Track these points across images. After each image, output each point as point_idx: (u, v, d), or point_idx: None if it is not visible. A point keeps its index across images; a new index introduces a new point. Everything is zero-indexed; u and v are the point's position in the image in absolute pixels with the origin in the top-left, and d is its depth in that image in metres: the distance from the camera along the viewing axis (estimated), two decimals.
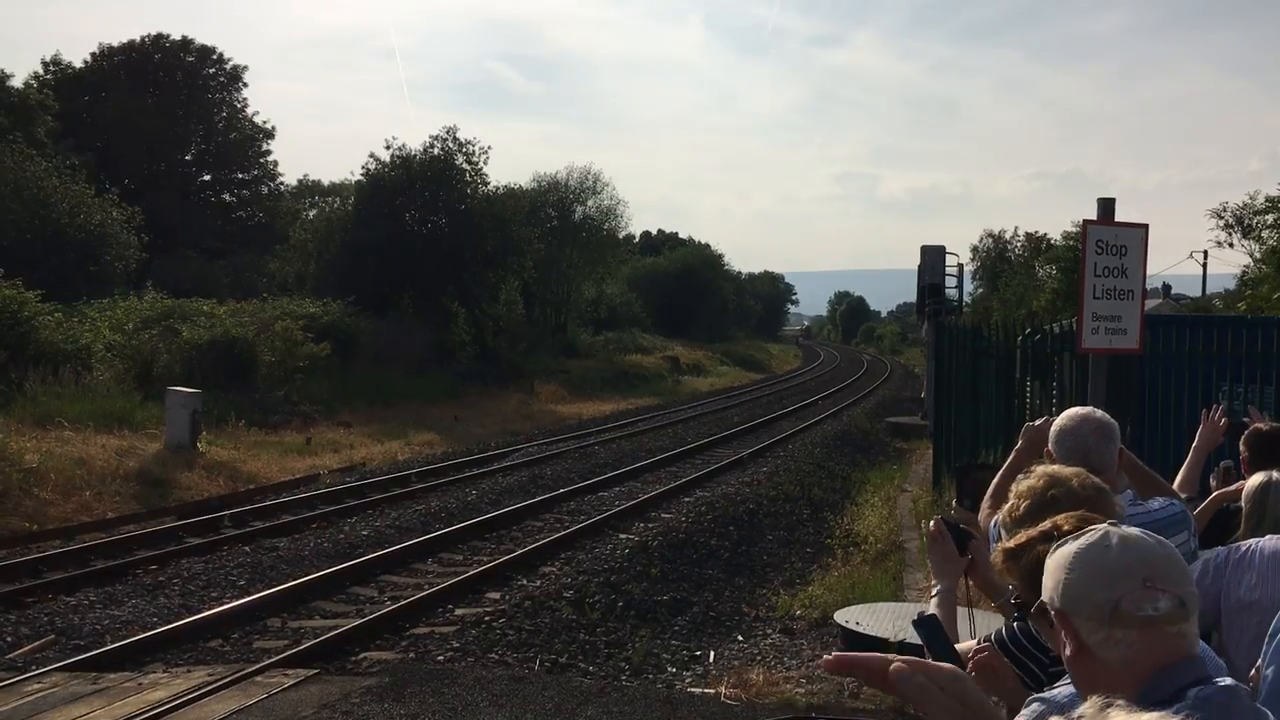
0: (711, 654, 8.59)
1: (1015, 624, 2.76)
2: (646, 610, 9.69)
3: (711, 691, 7.26)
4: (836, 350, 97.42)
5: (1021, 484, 2.87)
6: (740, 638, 9.15)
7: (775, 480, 16.63)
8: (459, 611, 9.49)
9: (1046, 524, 2.44)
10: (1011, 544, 2.50)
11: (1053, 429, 3.53)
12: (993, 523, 3.36)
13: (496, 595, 10.02)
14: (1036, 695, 2.40)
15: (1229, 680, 1.78)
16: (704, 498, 15.11)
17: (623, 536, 12.60)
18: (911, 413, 28.92)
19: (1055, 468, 2.95)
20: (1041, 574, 2.38)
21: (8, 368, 19.13)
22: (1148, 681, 1.77)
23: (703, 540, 12.43)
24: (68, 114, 40.73)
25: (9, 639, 8.65)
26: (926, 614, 2.85)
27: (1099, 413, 3.58)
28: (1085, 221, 6.08)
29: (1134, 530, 1.82)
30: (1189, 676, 1.74)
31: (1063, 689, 2.30)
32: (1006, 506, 2.86)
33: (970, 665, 2.76)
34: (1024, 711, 2.40)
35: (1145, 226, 6.22)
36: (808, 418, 27.90)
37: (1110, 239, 6.01)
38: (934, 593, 3.26)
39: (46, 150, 33.59)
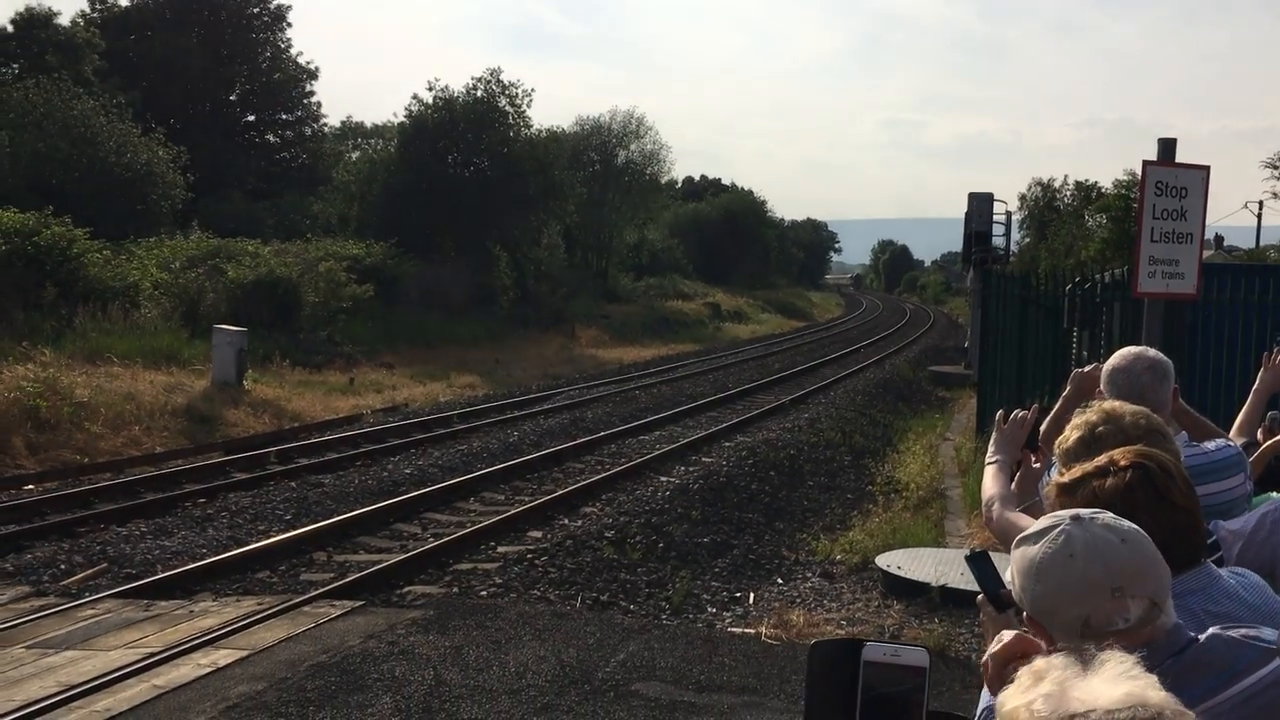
0: (751, 596, 8.61)
1: None
2: (687, 552, 9.73)
3: (752, 631, 7.29)
4: (879, 299, 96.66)
5: (1078, 416, 2.83)
6: (780, 581, 9.16)
7: (816, 426, 16.59)
8: (501, 549, 9.58)
9: (1103, 459, 2.39)
10: (1066, 478, 2.46)
11: (1105, 368, 3.46)
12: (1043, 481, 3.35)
13: (538, 534, 10.11)
14: None
15: (1205, 635, 1.71)
16: (744, 443, 15.11)
17: (663, 479, 12.64)
18: (955, 361, 28.68)
19: (1115, 404, 2.89)
20: (1105, 507, 2.34)
21: (58, 304, 19.41)
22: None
23: (743, 484, 12.43)
24: (114, 52, 40.85)
25: (63, 566, 8.85)
26: (977, 550, 2.84)
27: (1152, 351, 3.50)
28: (1145, 162, 5.93)
29: (1098, 530, 1.71)
30: (1165, 654, 1.68)
31: None
32: (1060, 437, 2.82)
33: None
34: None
35: (1206, 168, 6.06)
36: (849, 365, 27.75)
37: (1170, 180, 5.86)
38: (990, 460, 3.28)
39: (93, 88, 33.74)
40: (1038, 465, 3.36)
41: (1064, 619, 1.66)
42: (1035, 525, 1.79)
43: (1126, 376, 3.30)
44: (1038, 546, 1.73)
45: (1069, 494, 2.42)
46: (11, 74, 35.25)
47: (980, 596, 2.76)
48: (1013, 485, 3.37)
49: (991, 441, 3.47)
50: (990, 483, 3.28)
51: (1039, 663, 1.10)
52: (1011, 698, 1.06)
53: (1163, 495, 2.09)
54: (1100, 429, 2.71)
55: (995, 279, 15.01)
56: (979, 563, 2.75)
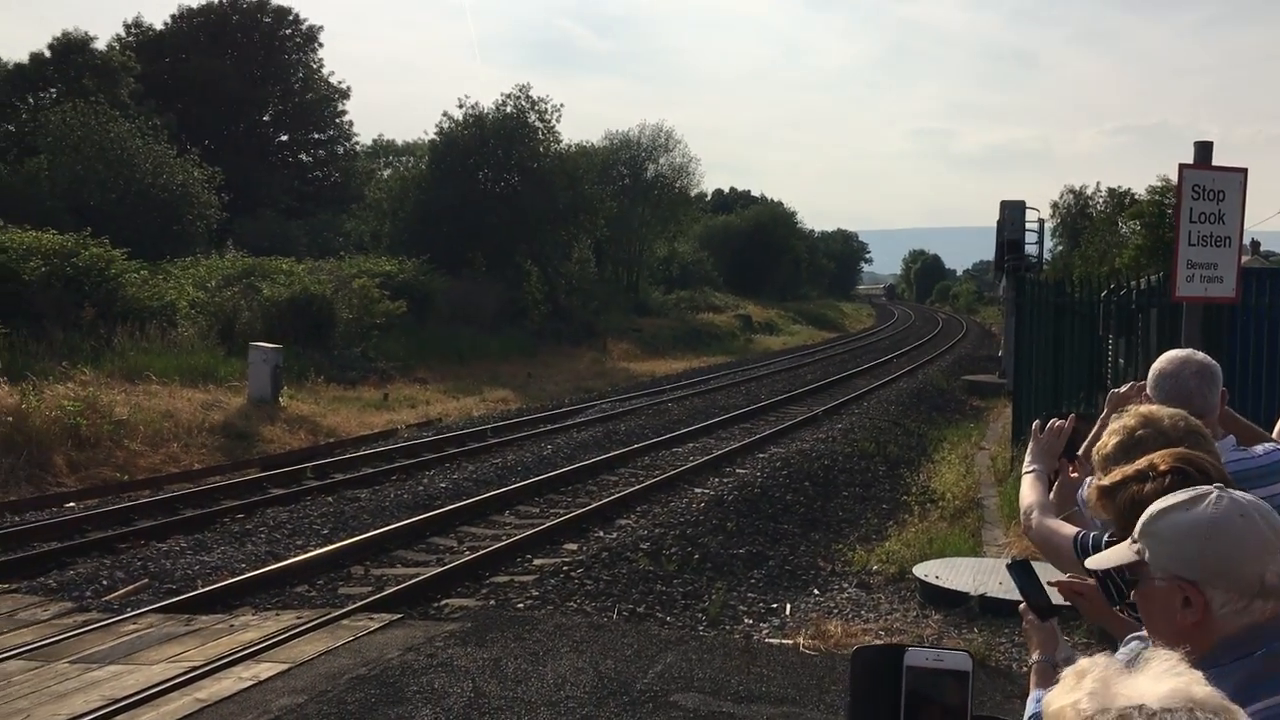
0: (788, 607, 8.58)
1: (1112, 539, 2.74)
2: (722, 563, 9.71)
3: (790, 642, 7.26)
4: (911, 309, 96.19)
5: (1116, 421, 2.82)
6: (816, 591, 9.12)
7: (850, 437, 16.52)
8: (537, 561, 9.60)
9: (1143, 462, 2.38)
10: (1107, 481, 2.45)
11: (1151, 372, 3.42)
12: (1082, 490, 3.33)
13: (574, 546, 10.12)
14: (1136, 634, 2.36)
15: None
16: (778, 454, 15.07)
17: (698, 491, 12.63)
18: (989, 371, 28.48)
19: (1153, 407, 2.87)
20: (1135, 513, 2.34)
21: (97, 324, 19.66)
22: (1231, 638, 1.75)
23: (778, 495, 12.40)
24: (149, 75, 41.46)
25: (105, 582, 8.94)
26: (1019, 558, 2.83)
27: (1200, 354, 3.46)
28: (1182, 165, 5.89)
29: (1242, 497, 1.76)
30: (1273, 636, 1.70)
31: None
32: (1099, 443, 2.81)
33: (1061, 590, 2.75)
34: (1122, 650, 2.36)
35: (1244, 171, 6.00)
36: (882, 376, 27.63)
37: (1207, 184, 5.81)
38: (1028, 469, 3.28)
39: (129, 111, 34.24)
40: (1075, 475, 3.34)
41: (1240, 576, 1.68)
42: (1174, 497, 1.81)
43: (1174, 381, 3.26)
44: (1200, 508, 1.75)
45: (1109, 497, 2.41)
46: (50, 98, 35.84)
47: (1022, 604, 2.76)
48: (1050, 494, 3.35)
49: (1028, 450, 3.45)
50: (1028, 491, 3.26)
51: (1083, 662, 1.10)
52: (1057, 697, 1.06)
53: None
54: (1140, 433, 2.69)
55: (1030, 286, 14.91)
56: (1021, 571, 2.74)
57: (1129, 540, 1.88)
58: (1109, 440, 2.74)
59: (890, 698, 1.21)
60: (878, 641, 7.10)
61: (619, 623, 7.77)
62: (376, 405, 20.19)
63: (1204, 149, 5.95)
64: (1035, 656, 2.61)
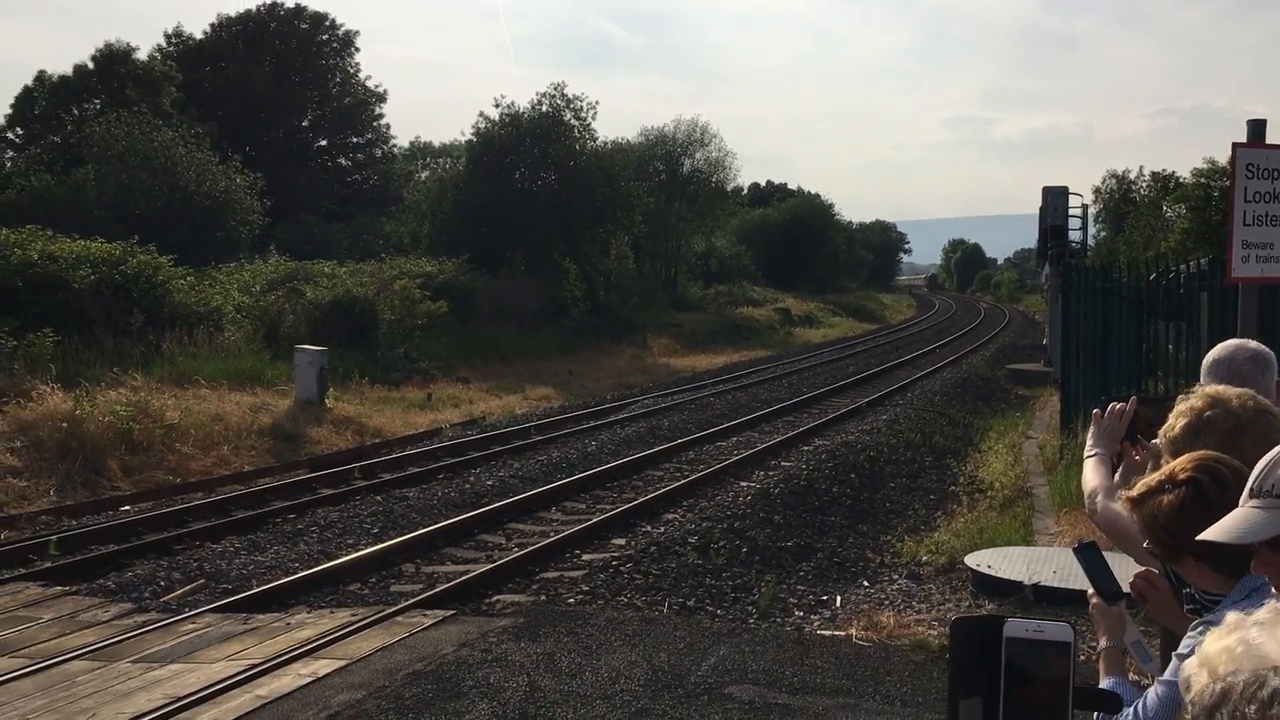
0: (838, 599, 8.55)
1: None
2: (770, 556, 9.69)
3: (842, 634, 7.24)
4: (952, 299, 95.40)
5: (1183, 403, 2.79)
6: (866, 583, 9.08)
7: (895, 428, 16.42)
8: (586, 557, 9.64)
9: (1165, 471, 2.36)
10: (1135, 491, 2.41)
11: (1205, 361, 3.41)
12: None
13: (622, 541, 10.14)
14: (1201, 620, 2.33)
15: None
16: (823, 446, 15.02)
17: (743, 484, 12.61)
18: (1033, 359, 28.20)
19: (1219, 387, 2.84)
20: (1160, 526, 2.30)
21: (145, 330, 19.95)
22: None
23: (824, 488, 12.36)
24: (190, 84, 42.01)
25: (162, 583, 9.09)
26: (1086, 542, 2.80)
27: (1253, 342, 3.46)
28: (1235, 145, 5.80)
29: None
30: None
31: (1225, 613, 2.24)
32: (1165, 426, 2.78)
33: (1134, 588, 2.72)
34: (1190, 635, 2.33)
35: None
36: (925, 366, 27.44)
37: (1261, 162, 5.72)
38: (1090, 453, 3.27)
39: (172, 120, 34.73)
40: (1139, 458, 3.32)
41: None
42: None
43: (1228, 367, 3.26)
44: None
45: (1139, 507, 2.38)
46: (94, 109, 36.40)
47: (1090, 590, 2.73)
48: (1115, 478, 3.33)
49: (1090, 435, 3.44)
50: (1091, 475, 3.25)
51: (1234, 615, 1.10)
52: (1210, 643, 1.05)
53: (1215, 509, 2.06)
54: (1208, 414, 2.67)
55: (1076, 273, 14.75)
56: (1088, 554, 2.72)
57: (1248, 503, 1.84)
58: (1176, 423, 2.72)
59: (990, 670, 1.21)
60: (930, 634, 7.06)
61: (670, 616, 7.79)
62: (420, 405, 20.33)
63: (1257, 127, 5.86)
64: (1103, 642, 2.58)
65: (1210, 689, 0.91)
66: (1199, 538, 1.94)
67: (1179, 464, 2.30)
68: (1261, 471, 1.87)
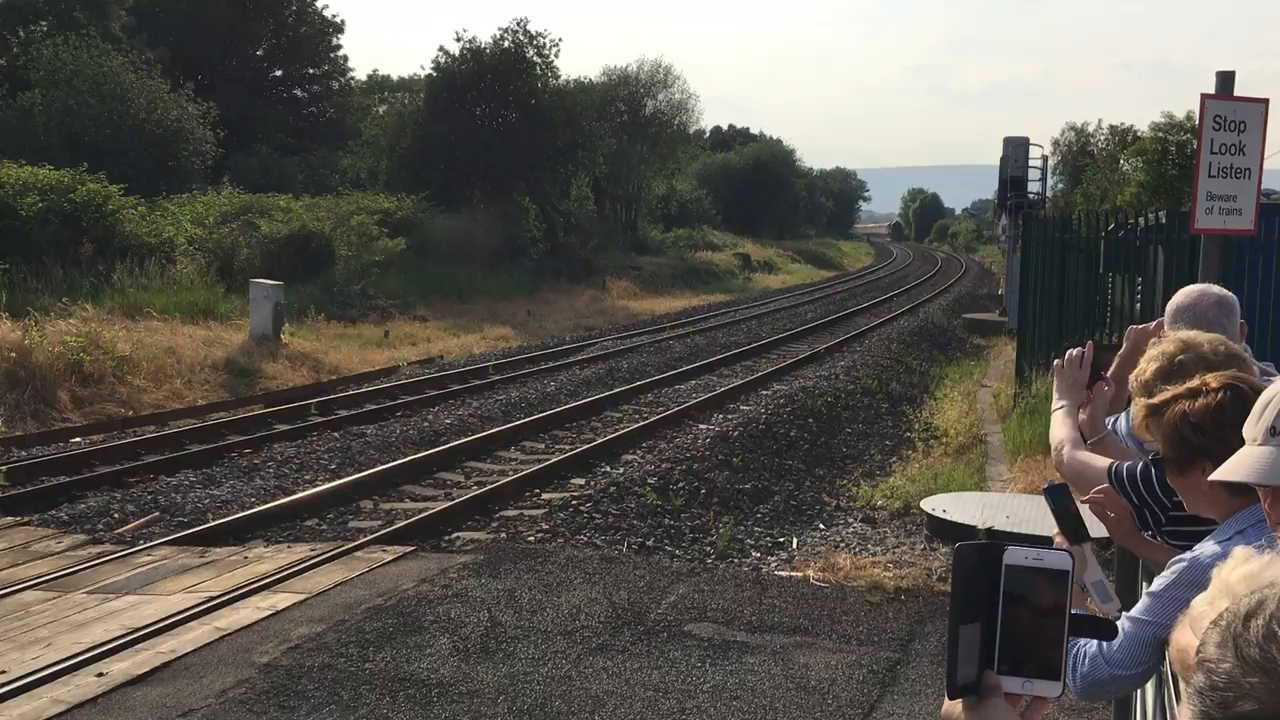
0: (794, 541, 8.65)
1: (1148, 467, 2.78)
2: (729, 498, 9.77)
3: (799, 574, 7.33)
4: (910, 248, 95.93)
5: (1154, 348, 2.83)
6: (822, 526, 9.20)
7: (852, 374, 16.54)
8: (545, 496, 9.66)
9: (1194, 381, 2.40)
10: (1156, 399, 2.46)
11: (1170, 306, 3.46)
12: (1110, 420, 3.37)
13: (581, 481, 10.17)
14: (1180, 557, 2.38)
15: None
16: (781, 391, 15.10)
17: (702, 427, 12.67)
18: (989, 309, 28.48)
19: (1191, 333, 2.89)
20: (1185, 429, 2.35)
21: (95, 260, 19.57)
22: None
23: (782, 432, 12.44)
24: (140, 8, 40.75)
25: (116, 515, 8.99)
26: (1056, 483, 2.85)
27: (1216, 287, 3.51)
28: (1203, 95, 5.83)
29: None
30: None
31: (1205, 548, 2.28)
32: (1136, 370, 2.83)
33: (1086, 500, 2.80)
34: (1166, 572, 2.38)
35: (1265, 102, 5.95)
36: (882, 314, 27.62)
37: (1228, 114, 5.76)
38: (1056, 406, 3.34)
39: (122, 45, 33.75)
40: (1107, 389, 3.40)
41: None
42: None
43: (1193, 313, 3.30)
44: None
45: (1157, 415, 2.43)
46: (41, 31, 35.29)
47: (1055, 530, 2.79)
48: (1081, 417, 3.39)
49: (1054, 389, 3.49)
50: (1058, 427, 3.31)
51: (1243, 549, 1.11)
52: (1230, 571, 1.06)
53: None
54: (1180, 358, 2.71)
55: (1034, 224, 14.85)
56: (1058, 495, 2.76)
57: (1261, 444, 1.85)
58: (1148, 366, 2.76)
59: (990, 595, 1.22)
60: (886, 576, 7.17)
61: (629, 555, 7.84)
62: (377, 343, 20.19)
63: (1226, 79, 5.89)
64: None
65: (1248, 599, 0.92)
66: (1212, 478, 1.95)
67: (1209, 377, 2.34)
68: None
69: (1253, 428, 1.88)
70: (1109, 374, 3.56)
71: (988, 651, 1.24)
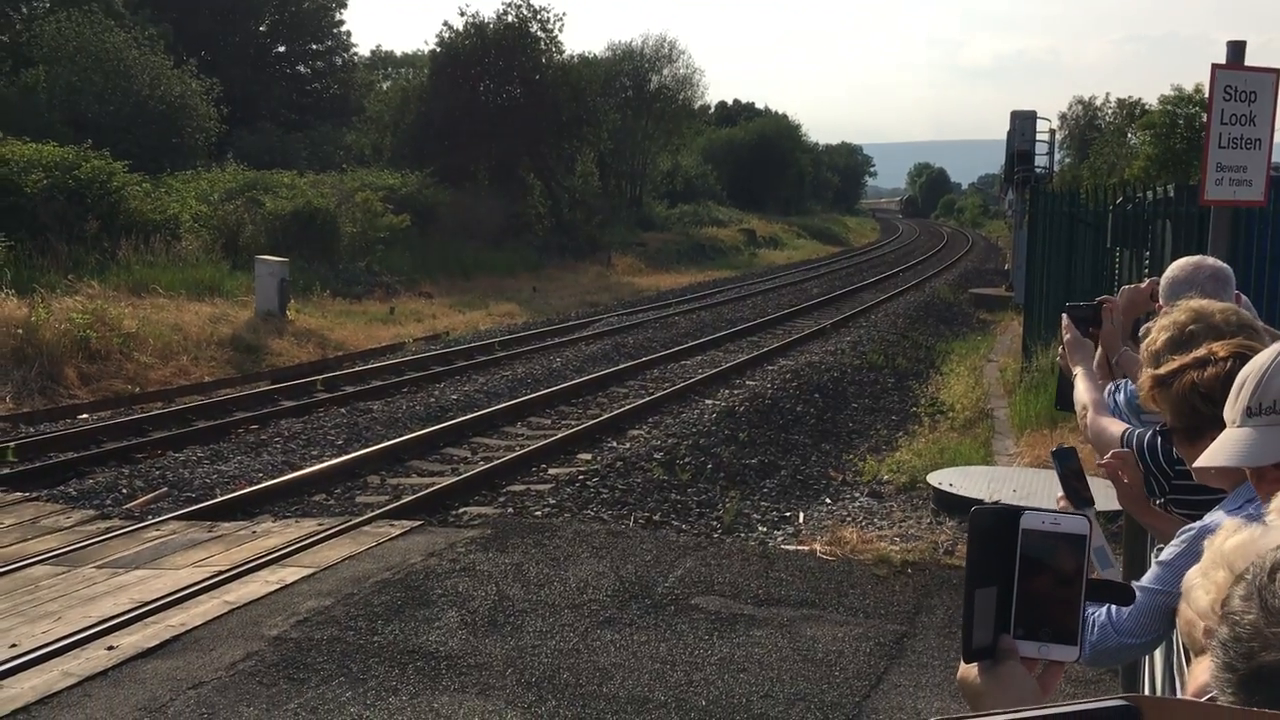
0: (801, 515, 8.66)
1: (1156, 435, 2.79)
2: (735, 473, 9.78)
3: (806, 549, 7.34)
4: (916, 224, 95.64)
5: (1164, 318, 2.83)
6: (828, 500, 9.20)
7: (859, 349, 16.53)
8: (552, 471, 9.67)
9: (1201, 350, 2.40)
10: (1163, 370, 2.45)
11: (1164, 279, 3.48)
12: (1106, 390, 3.40)
13: (588, 456, 10.18)
14: (1190, 526, 2.37)
15: None
16: (788, 366, 15.10)
17: (708, 402, 12.67)
18: (996, 284, 28.41)
19: (1203, 301, 2.88)
20: (1193, 400, 2.34)
21: (100, 237, 19.55)
22: None
23: (788, 407, 12.44)
24: None
25: (124, 490, 9.02)
26: (1065, 446, 2.85)
27: (1211, 259, 3.53)
28: (1214, 66, 5.78)
29: None
30: None
31: (1215, 517, 2.27)
32: (1147, 339, 2.82)
33: (1106, 468, 2.81)
34: (1176, 541, 2.38)
35: (1276, 72, 5.89)
36: (889, 290, 27.57)
37: (1240, 84, 5.71)
38: (1075, 369, 3.38)
39: (124, 21, 33.60)
40: (1112, 311, 3.56)
41: None
42: None
43: (1188, 286, 3.31)
44: None
45: (1165, 386, 2.41)
46: (43, 8, 35.15)
47: (1060, 494, 2.80)
48: (1095, 360, 3.47)
49: (1066, 356, 3.54)
50: (1081, 391, 3.33)
51: (1233, 520, 1.10)
52: (1224, 540, 1.06)
53: None
54: (1191, 327, 2.70)
55: (1042, 198, 14.78)
56: (1065, 458, 2.77)
57: (1239, 425, 1.85)
58: (1159, 336, 2.75)
59: (1006, 559, 1.21)
60: (892, 550, 7.18)
61: (636, 530, 7.85)
62: (383, 319, 20.18)
63: (1237, 49, 5.83)
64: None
65: (1274, 553, 0.92)
66: (1195, 465, 1.94)
67: (1216, 346, 2.33)
68: (1259, 386, 1.85)
69: (1230, 409, 1.88)
70: (1113, 327, 3.66)
71: (1003, 615, 1.23)
